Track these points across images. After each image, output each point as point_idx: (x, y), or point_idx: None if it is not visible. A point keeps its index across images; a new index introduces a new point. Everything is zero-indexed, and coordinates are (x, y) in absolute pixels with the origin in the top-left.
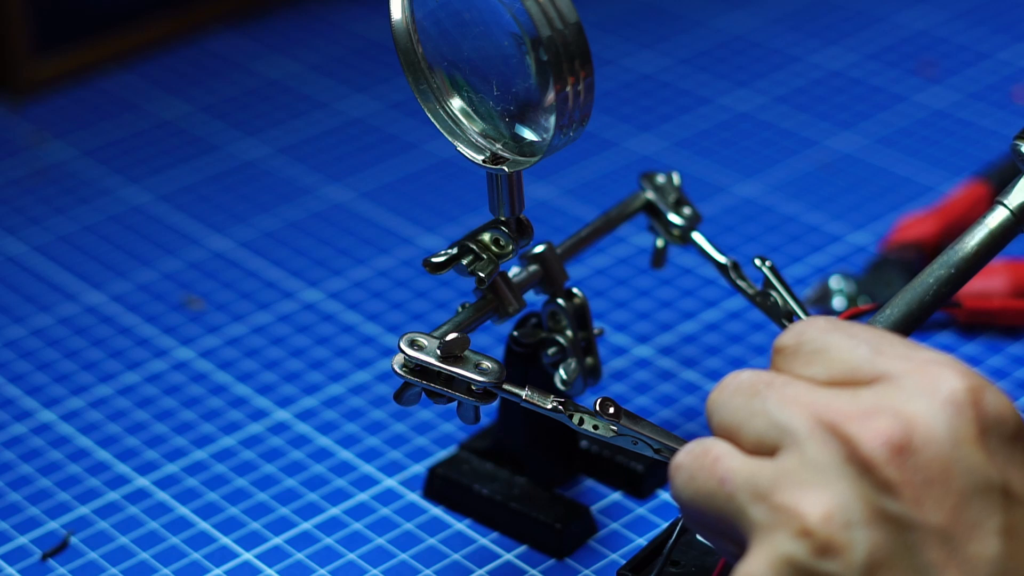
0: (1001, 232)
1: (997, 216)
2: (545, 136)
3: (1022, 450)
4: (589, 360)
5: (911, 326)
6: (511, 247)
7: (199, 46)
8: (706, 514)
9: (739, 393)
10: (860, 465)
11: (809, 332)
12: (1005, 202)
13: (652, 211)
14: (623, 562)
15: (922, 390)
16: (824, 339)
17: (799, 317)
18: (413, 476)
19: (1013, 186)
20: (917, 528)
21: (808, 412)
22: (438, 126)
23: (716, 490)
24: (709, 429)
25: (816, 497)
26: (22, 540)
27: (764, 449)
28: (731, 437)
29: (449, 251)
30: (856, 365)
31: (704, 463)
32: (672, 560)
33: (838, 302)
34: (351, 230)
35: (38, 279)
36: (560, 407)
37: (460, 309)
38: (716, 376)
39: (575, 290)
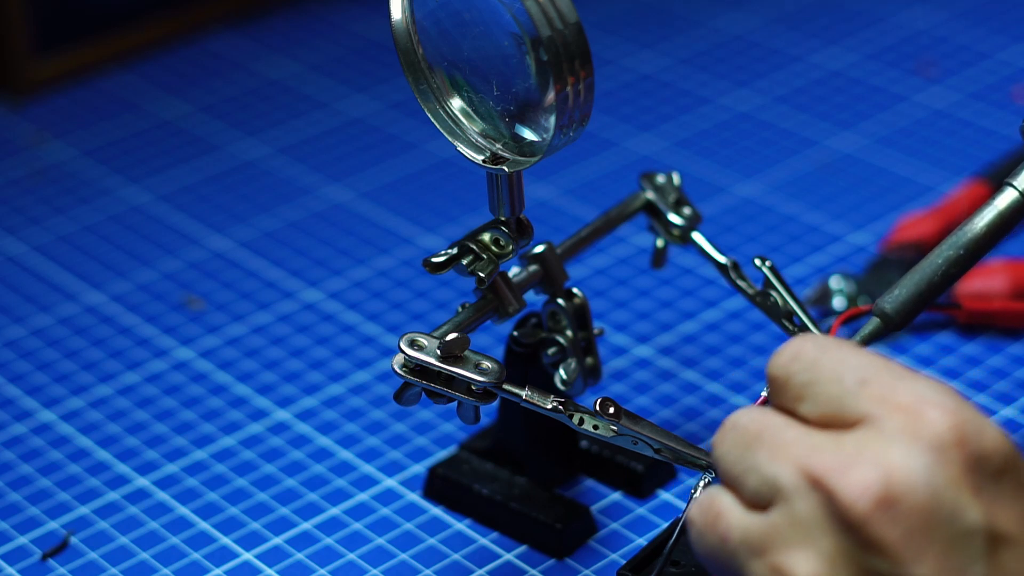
0: (1010, 213)
1: (1006, 197)
2: (545, 136)
3: (1010, 483)
4: (589, 360)
5: (919, 306)
6: (511, 247)
7: (199, 46)
8: (718, 568)
9: (736, 445)
10: (843, 522)
11: (797, 362)
12: (1014, 183)
13: (652, 211)
14: (623, 562)
15: (904, 433)
16: (812, 370)
17: (799, 317)
18: (413, 476)
19: (1022, 168)
20: None
21: (795, 465)
22: (438, 126)
23: (720, 548)
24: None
25: (804, 557)
26: (22, 540)
27: (761, 503)
28: (733, 488)
29: (449, 251)
30: (842, 402)
31: (708, 520)
32: (672, 560)
33: (838, 302)
34: (351, 230)
35: (38, 279)
36: (560, 407)
37: (460, 309)
38: (716, 376)
39: (575, 290)
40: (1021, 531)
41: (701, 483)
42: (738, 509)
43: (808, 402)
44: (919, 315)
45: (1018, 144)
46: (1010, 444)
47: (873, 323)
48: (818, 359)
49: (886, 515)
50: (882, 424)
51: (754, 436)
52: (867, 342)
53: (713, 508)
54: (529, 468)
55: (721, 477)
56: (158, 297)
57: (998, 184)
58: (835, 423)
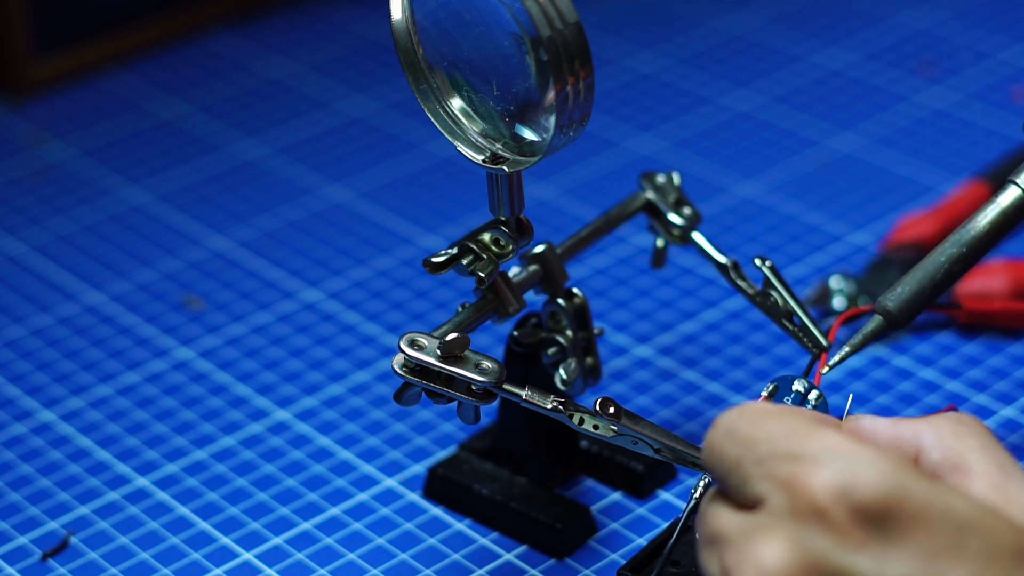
0: (1012, 210)
1: (1009, 195)
2: (545, 136)
3: (896, 524)
4: (589, 360)
5: (921, 304)
6: (511, 247)
7: (199, 46)
8: None
9: (699, 539)
10: None
11: (711, 457)
12: (1017, 181)
13: (652, 211)
14: (623, 562)
15: (786, 510)
16: (720, 464)
17: (799, 317)
18: (413, 476)
19: None
20: None
21: (719, 562)
22: (438, 126)
23: None
24: None
25: None
26: (22, 540)
27: None
28: None
29: (449, 251)
30: (743, 489)
31: None
32: (672, 560)
33: (838, 302)
34: (351, 230)
35: (38, 279)
36: (560, 407)
37: (460, 309)
38: (716, 376)
39: (575, 290)
40: (918, 570)
41: (701, 483)
42: None
43: (728, 491)
44: (921, 313)
45: (1018, 144)
46: (890, 481)
47: (875, 321)
48: (721, 451)
49: None
50: (770, 504)
51: (700, 531)
52: (869, 340)
53: None
54: (529, 468)
55: None
56: (158, 297)
57: (999, 183)
58: (748, 505)
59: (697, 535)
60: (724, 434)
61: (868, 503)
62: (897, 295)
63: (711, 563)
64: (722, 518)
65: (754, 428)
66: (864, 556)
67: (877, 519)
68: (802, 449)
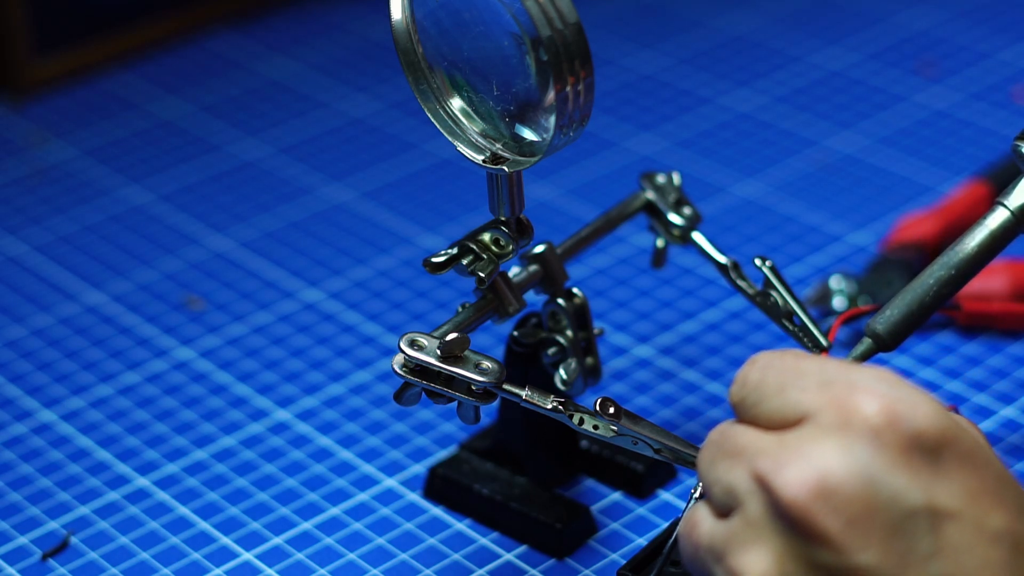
0: (1001, 233)
1: (997, 217)
2: (545, 136)
3: (948, 457)
4: (589, 360)
5: (911, 327)
6: (511, 247)
7: (199, 46)
8: (697, 574)
9: (705, 459)
10: (786, 518)
11: (744, 387)
12: (1005, 203)
13: (652, 211)
14: (623, 562)
15: (837, 425)
16: (758, 391)
17: (799, 317)
18: (413, 476)
19: (1013, 187)
20: (852, 572)
21: (746, 470)
22: (438, 126)
23: (695, 556)
24: None
25: (755, 557)
26: (22, 540)
27: (725, 510)
28: (708, 500)
29: (449, 251)
30: (784, 410)
31: (687, 531)
32: (672, 560)
33: (838, 302)
34: (351, 230)
35: (38, 279)
36: (560, 407)
37: (460, 309)
38: (716, 376)
39: (575, 290)
40: (963, 505)
41: (700, 484)
42: (710, 518)
43: (761, 420)
44: (911, 335)
45: None
46: (945, 418)
47: (865, 343)
48: (762, 379)
49: (825, 506)
50: (819, 419)
51: (717, 448)
52: (859, 362)
53: (692, 519)
54: (529, 468)
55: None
56: (158, 297)
57: (999, 183)
58: (782, 424)
59: (701, 455)
60: (764, 366)
61: (924, 433)
62: (887, 318)
63: (732, 473)
64: (749, 434)
65: (800, 361)
66: (914, 481)
67: (930, 450)
68: (854, 377)
